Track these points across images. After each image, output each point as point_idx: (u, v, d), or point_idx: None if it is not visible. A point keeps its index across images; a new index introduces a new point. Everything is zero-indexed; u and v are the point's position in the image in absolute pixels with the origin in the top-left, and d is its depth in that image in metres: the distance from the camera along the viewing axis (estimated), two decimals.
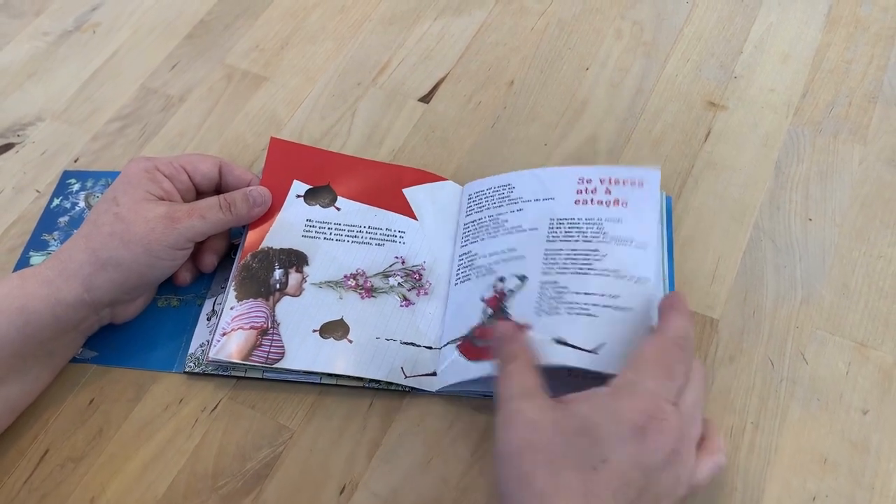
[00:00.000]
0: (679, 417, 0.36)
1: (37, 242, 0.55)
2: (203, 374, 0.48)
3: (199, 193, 0.50)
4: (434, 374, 0.47)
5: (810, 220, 0.53)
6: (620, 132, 0.58)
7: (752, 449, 0.44)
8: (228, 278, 0.50)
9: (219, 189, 0.51)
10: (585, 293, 0.45)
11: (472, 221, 0.52)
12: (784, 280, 0.50)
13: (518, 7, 0.66)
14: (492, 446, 0.43)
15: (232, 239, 0.52)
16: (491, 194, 0.52)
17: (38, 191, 0.57)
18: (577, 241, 0.47)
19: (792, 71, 0.60)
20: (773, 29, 0.62)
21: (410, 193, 0.53)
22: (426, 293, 0.50)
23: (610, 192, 0.49)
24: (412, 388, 0.47)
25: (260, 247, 0.50)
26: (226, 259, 0.52)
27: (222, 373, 0.48)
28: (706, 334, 0.48)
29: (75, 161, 0.59)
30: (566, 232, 0.48)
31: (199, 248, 0.50)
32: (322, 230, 0.51)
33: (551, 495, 0.34)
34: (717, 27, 0.63)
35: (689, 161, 0.56)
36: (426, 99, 0.61)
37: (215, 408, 0.47)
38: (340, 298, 0.49)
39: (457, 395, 0.47)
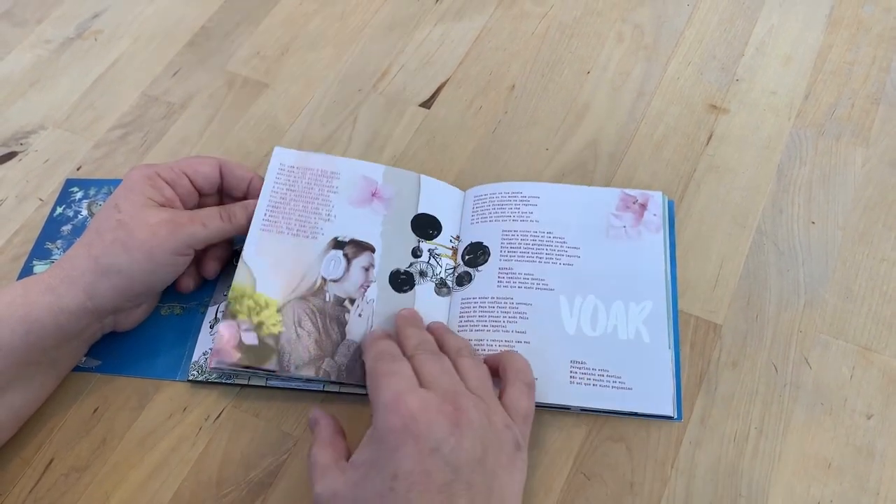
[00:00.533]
0: (424, 392, 0.38)
1: (40, 251, 0.55)
2: (206, 383, 0.48)
3: (202, 196, 0.50)
4: None
5: (813, 223, 0.52)
6: (622, 136, 0.57)
7: (755, 454, 0.44)
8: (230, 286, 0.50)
9: (220, 190, 0.51)
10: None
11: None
12: (787, 284, 0.50)
13: (518, 11, 0.66)
14: None
15: (235, 246, 0.53)
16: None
17: (41, 199, 0.58)
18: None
19: (794, 73, 0.60)
20: (774, 31, 0.62)
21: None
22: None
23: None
24: None
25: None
26: (228, 266, 0.52)
27: (225, 381, 0.48)
28: (709, 339, 0.48)
29: (78, 169, 0.59)
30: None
31: (201, 255, 0.50)
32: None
33: None
34: (718, 30, 0.63)
35: (690, 164, 0.56)
36: (427, 104, 0.61)
37: (219, 416, 0.47)
38: None
39: None
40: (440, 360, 0.42)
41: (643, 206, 0.51)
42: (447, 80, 0.62)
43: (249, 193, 0.51)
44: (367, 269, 0.49)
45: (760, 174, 0.55)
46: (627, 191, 0.52)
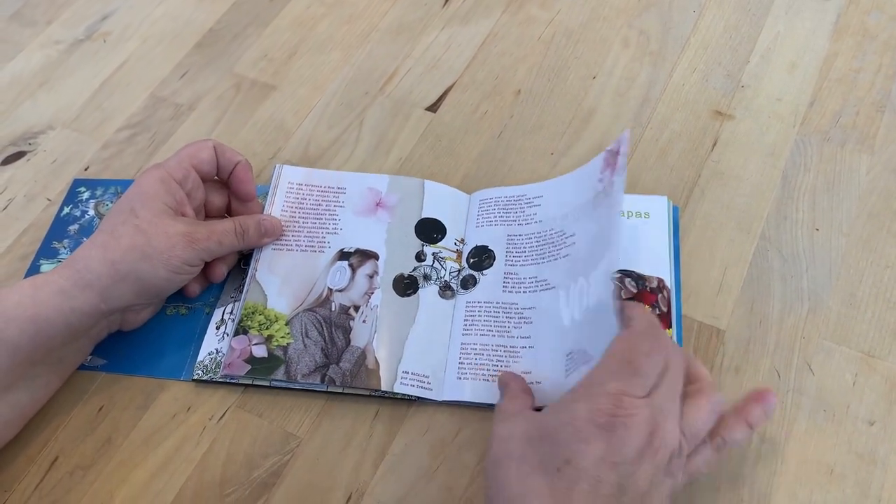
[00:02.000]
0: (649, 409, 0.36)
1: (47, 250, 0.55)
2: (211, 382, 0.48)
3: (204, 181, 0.51)
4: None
5: (817, 230, 0.53)
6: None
7: (758, 459, 0.44)
8: (238, 288, 0.50)
9: (217, 170, 0.51)
10: None
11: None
12: (790, 290, 0.50)
13: (525, 17, 0.66)
14: None
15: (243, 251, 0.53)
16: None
17: (48, 199, 0.58)
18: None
19: (799, 80, 0.60)
20: (780, 38, 0.62)
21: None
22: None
23: None
24: (418, 398, 0.47)
25: None
26: (235, 269, 0.52)
27: (230, 381, 0.48)
28: (712, 344, 0.48)
29: (85, 169, 0.59)
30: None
31: (210, 260, 0.51)
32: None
33: (522, 496, 0.36)
34: (723, 36, 0.63)
35: (695, 170, 0.56)
36: (433, 108, 0.61)
37: (223, 416, 0.47)
38: None
39: (463, 405, 0.47)
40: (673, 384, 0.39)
41: (615, 153, 0.47)
42: (453, 84, 0.62)
43: (231, 176, 0.51)
44: (371, 277, 0.50)
45: (765, 181, 0.55)
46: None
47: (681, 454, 0.37)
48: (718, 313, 0.49)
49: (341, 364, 0.47)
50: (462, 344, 0.48)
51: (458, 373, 0.47)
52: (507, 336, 0.48)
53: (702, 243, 0.52)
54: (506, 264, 0.50)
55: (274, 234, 0.52)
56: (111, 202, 0.57)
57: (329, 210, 0.53)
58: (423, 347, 0.48)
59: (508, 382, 0.44)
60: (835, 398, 0.46)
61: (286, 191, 0.54)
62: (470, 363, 0.47)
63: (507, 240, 0.51)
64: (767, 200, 0.54)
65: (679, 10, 0.65)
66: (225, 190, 0.52)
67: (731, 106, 0.59)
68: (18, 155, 0.61)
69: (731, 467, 0.44)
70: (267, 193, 0.54)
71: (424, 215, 0.53)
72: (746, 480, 0.44)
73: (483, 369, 0.47)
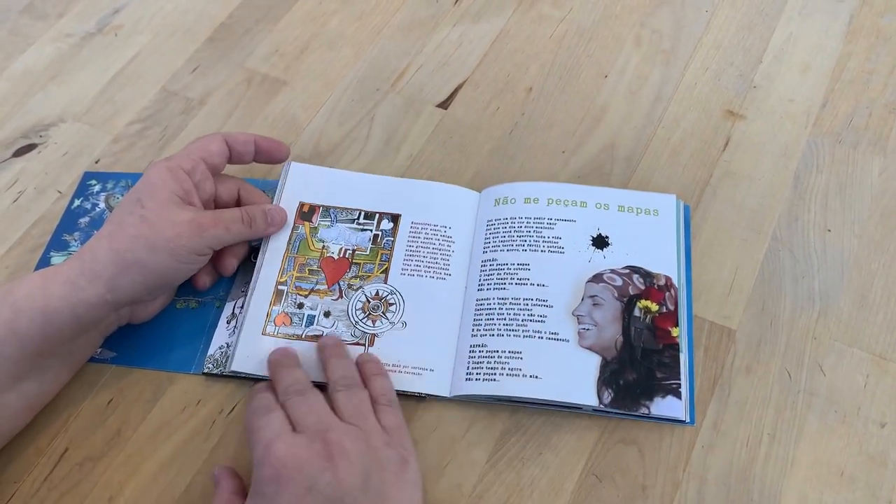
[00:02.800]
0: (298, 438, 0.40)
1: (58, 243, 0.55)
2: (221, 376, 0.48)
3: (214, 173, 0.51)
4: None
5: (829, 231, 0.52)
6: (639, 140, 0.58)
7: (768, 460, 0.44)
8: (249, 282, 0.50)
9: (231, 159, 0.51)
10: None
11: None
12: (802, 291, 0.50)
13: (537, 14, 0.66)
14: (506, 453, 0.44)
15: (252, 243, 0.53)
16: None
17: (59, 191, 0.58)
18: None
19: (811, 81, 0.60)
20: (792, 39, 0.62)
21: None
22: None
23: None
24: (427, 395, 0.47)
25: None
26: (245, 262, 0.52)
27: (240, 375, 0.48)
28: (723, 344, 0.48)
29: (96, 162, 0.59)
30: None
31: (219, 252, 0.51)
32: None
33: None
34: (736, 36, 0.63)
35: (707, 170, 0.56)
36: (444, 105, 0.61)
37: (233, 410, 0.47)
38: None
39: (473, 401, 0.47)
40: (307, 400, 0.43)
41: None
42: (465, 81, 0.62)
43: (259, 153, 0.52)
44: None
45: (777, 181, 0.55)
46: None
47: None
48: (729, 313, 0.49)
49: None
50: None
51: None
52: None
53: (713, 243, 0.52)
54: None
55: (280, 223, 0.52)
56: (121, 195, 0.57)
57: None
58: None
59: (219, 486, 0.43)
60: (846, 399, 0.46)
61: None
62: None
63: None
64: (779, 201, 0.54)
65: (692, 9, 0.65)
66: (235, 183, 0.52)
67: (744, 106, 0.59)
68: (29, 147, 0.61)
69: (742, 468, 0.44)
70: (275, 189, 0.54)
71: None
72: (756, 481, 0.44)
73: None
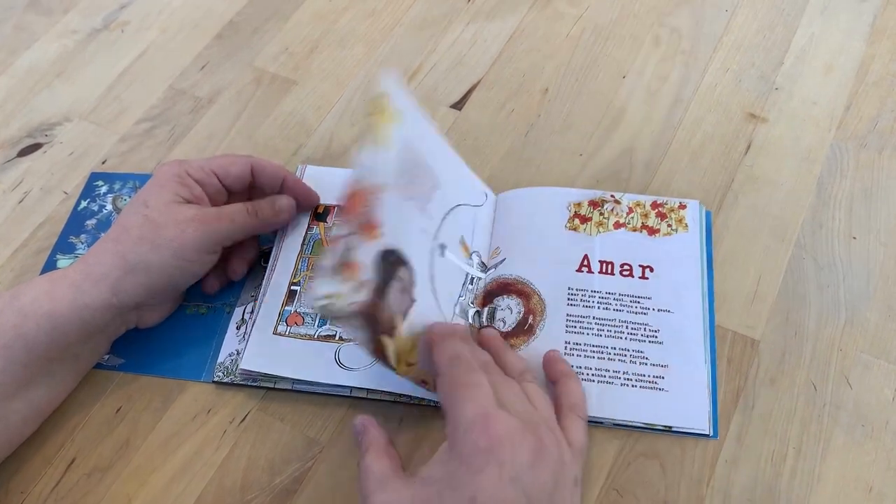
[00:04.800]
0: (515, 420, 0.36)
1: (64, 245, 0.54)
2: (231, 385, 0.47)
3: (231, 195, 0.49)
4: None
5: (854, 238, 0.51)
6: (658, 143, 0.56)
7: (794, 475, 0.43)
8: (259, 287, 0.49)
9: (252, 189, 0.50)
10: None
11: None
12: (827, 300, 0.49)
13: (552, 12, 0.64)
14: None
15: (262, 246, 0.52)
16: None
17: (65, 192, 0.57)
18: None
19: (835, 83, 0.58)
20: (815, 39, 0.61)
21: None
22: None
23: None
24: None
25: None
26: (255, 267, 0.51)
27: (251, 383, 0.47)
28: (747, 355, 0.47)
29: (103, 162, 0.58)
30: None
31: (228, 256, 0.49)
32: None
33: None
34: (757, 36, 0.61)
35: (728, 174, 0.54)
36: (458, 106, 0.60)
37: (244, 419, 0.46)
38: None
39: None
40: (511, 385, 0.40)
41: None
42: (479, 81, 0.61)
43: (285, 190, 0.50)
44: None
45: (800, 187, 0.54)
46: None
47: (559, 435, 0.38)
48: (753, 323, 0.48)
49: None
50: None
51: None
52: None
53: (736, 250, 0.51)
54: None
55: (289, 210, 0.49)
56: (129, 196, 0.56)
57: None
58: None
59: (368, 435, 0.40)
60: (873, 413, 0.45)
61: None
62: None
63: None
64: (803, 207, 0.53)
65: (711, 8, 0.63)
66: (245, 161, 0.49)
67: (765, 108, 0.58)
68: (35, 147, 0.60)
69: (767, 483, 0.43)
70: None
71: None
72: (782, 497, 0.43)
73: None
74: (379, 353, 0.40)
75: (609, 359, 0.46)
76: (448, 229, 0.47)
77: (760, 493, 0.43)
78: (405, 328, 0.41)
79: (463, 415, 0.36)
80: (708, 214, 0.52)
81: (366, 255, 0.39)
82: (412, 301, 0.42)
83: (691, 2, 0.64)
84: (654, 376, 0.45)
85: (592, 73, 0.61)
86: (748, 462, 0.44)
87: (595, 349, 0.46)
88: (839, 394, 0.46)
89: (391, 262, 0.41)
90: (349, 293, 0.37)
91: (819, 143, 0.56)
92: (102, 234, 0.53)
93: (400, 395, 0.46)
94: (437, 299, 0.45)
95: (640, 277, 0.48)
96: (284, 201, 0.50)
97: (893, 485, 0.43)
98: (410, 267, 0.42)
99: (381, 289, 0.39)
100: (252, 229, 0.48)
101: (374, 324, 0.39)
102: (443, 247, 0.47)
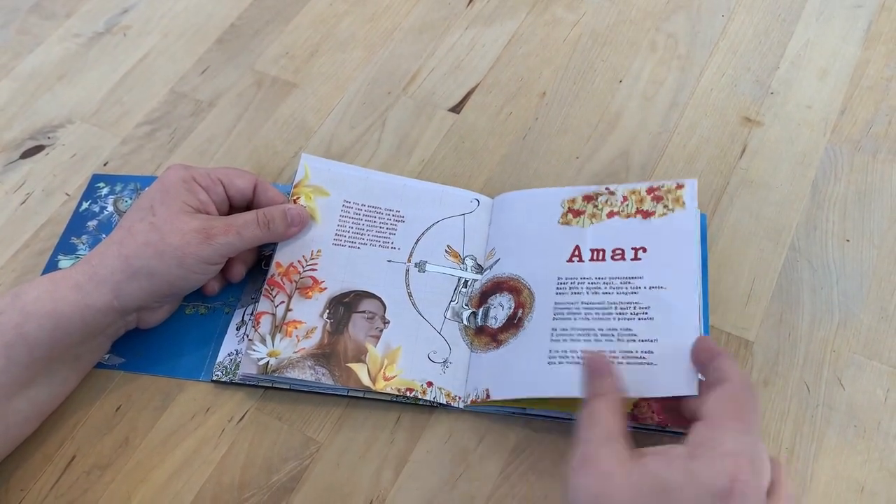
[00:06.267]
0: (757, 476, 0.34)
1: (65, 246, 0.55)
2: (230, 384, 0.48)
3: (232, 207, 0.50)
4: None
5: (848, 241, 0.52)
6: (654, 146, 0.57)
7: (787, 475, 0.43)
8: (259, 289, 0.50)
9: (250, 206, 0.50)
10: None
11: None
12: (820, 302, 0.49)
13: (550, 18, 0.65)
14: (520, 466, 0.43)
15: (262, 250, 0.52)
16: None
17: (67, 194, 0.57)
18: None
19: (830, 87, 0.59)
20: (810, 44, 0.61)
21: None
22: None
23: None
24: (440, 404, 0.46)
25: None
26: (255, 269, 0.52)
27: (249, 383, 0.47)
28: (741, 356, 0.48)
29: (104, 164, 0.59)
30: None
31: (228, 258, 0.50)
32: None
33: None
34: (753, 41, 0.62)
35: (723, 178, 0.55)
36: (456, 109, 0.60)
37: (242, 418, 0.47)
38: None
39: (485, 412, 0.46)
40: None
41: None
42: (477, 85, 0.61)
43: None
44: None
45: (794, 190, 0.54)
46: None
47: None
48: (747, 324, 0.49)
49: None
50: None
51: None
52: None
53: (730, 253, 0.51)
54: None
55: (301, 223, 0.50)
56: (130, 199, 0.56)
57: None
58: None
59: (607, 390, 0.38)
60: (866, 414, 0.45)
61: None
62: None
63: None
64: (797, 210, 0.53)
65: (708, 13, 0.64)
66: (249, 179, 0.50)
67: (761, 112, 0.58)
68: (37, 149, 0.60)
69: None
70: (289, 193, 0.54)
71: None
72: None
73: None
74: (346, 379, 0.46)
75: (596, 340, 0.45)
76: (427, 246, 0.51)
77: None
78: (379, 349, 0.47)
79: (721, 440, 0.35)
80: (703, 217, 0.52)
81: (310, 308, 0.48)
82: (384, 323, 0.48)
83: (688, 7, 0.64)
84: (642, 352, 0.44)
85: (589, 77, 0.61)
86: None
87: (582, 332, 0.45)
88: (832, 394, 0.46)
89: (348, 302, 0.49)
90: (288, 347, 0.47)
91: (814, 147, 0.56)
92: (104, 236, 0.54)
93: (395, 395, 0.46)
94: (419, 311, 0.49)
95: (632, 259, 0.47)
96: (297, 212, 0.50)
97: (885, 484, 0.43)
98: (376, 296, 0.49)
99: (338, 326, 0.48)
100: (261, 241, 0.48)
101: (332, 357, 0.47)
102: (421, 263, 0.50)
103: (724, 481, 0.33)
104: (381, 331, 0.48)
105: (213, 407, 0.47)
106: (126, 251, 0.44)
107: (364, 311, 0.48)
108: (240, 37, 0.66)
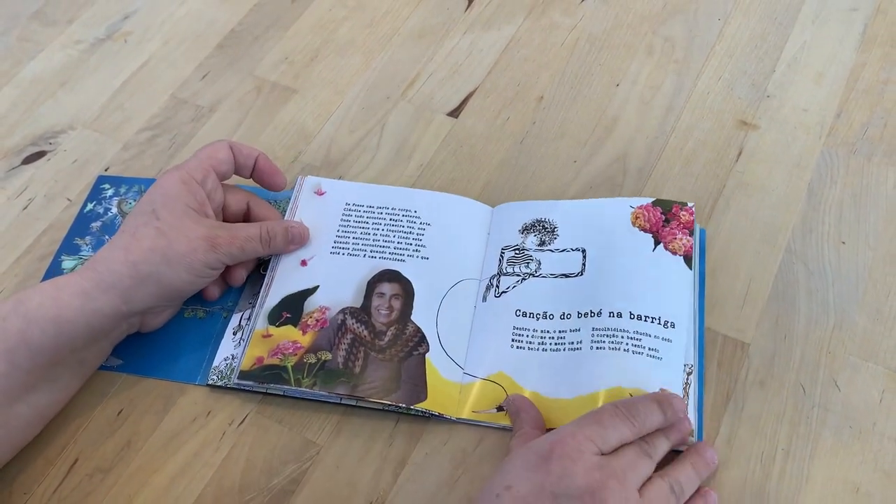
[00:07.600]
0: (601, 461, 0.38)
1: (69, 246, 0.55)
2: (225, 388, 0.48)
3: (221, 180, 0.51)
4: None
5: (843, 243, 0.52)
6: (651, 150, 0.57)
7: (782, 476, 0.44)
8: (257, 294, 0.50)
9: (235, 169, 0.51)
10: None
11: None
12: (816, 304, 0.50)
13: (548, 22, 0.65)
14: None
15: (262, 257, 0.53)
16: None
17: (69, 199, 0.58)
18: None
19: (826, 91, 0.59)
20: (806, 48, 0.62)
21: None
22: None
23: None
24: (434, 415, 0.46)
25: None
26: (254, 274, 0.52)
27: (243, 388, 0.48)
28: (737, 358, 0.48)
29: (106, 170, 0.59)
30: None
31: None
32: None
33: None
34: (749, 45, 0.62)
35: (720, 181, 0.55)
36: (455, 113, 0.61)
37: (242, 421, 0.47)
38: None
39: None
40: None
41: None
42: (475, 89, 0.62)
43: (256, 171, 0.52)
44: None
45: (790, 192, 0.54)
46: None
47: None
48: (743, 326, 0.49)
49: None
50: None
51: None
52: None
53: (726, 256, 0.52)
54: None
55: (302, 241, 0.52)
56: (134, 200, 0.57)
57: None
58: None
59: (519, 411, 0.45)
60: (861, 415, 0.46)
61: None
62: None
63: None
64: (793, 213, 0.54)
65: (704, 17, 0.64)
66: (244, 195, 0.52)
67: (757, 116, 0.58)
68: (39, 154, 0.61)
69: (756, 484, 0.44)
70: (288, 200, 0.54)
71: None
72: (771, 497, 0.43)
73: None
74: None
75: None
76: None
77: (749, 494, 0.43)
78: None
79: (567, 426, 0.41)
80: (702, 232, 0.52)
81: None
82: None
83: (684, 11, 0.65)
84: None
85: (587, 81, 0.62)
86: (737, 463, 0.44)
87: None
88: (828, 396, 0.46)
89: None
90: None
91: (810, 150, 0.56)
92: (107, 237, 0.54)
93: (388, 405, 0.46)
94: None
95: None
96: (298, 231, 0.51)
97: (880, 485, 0.43)
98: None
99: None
100: (258, 255, 0.50)
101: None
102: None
103: (546, 447, 0.39)
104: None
105: (214, 410, 0.48)
106: (133, 257, 0.45)
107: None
108: (240, 43, 0.66)
